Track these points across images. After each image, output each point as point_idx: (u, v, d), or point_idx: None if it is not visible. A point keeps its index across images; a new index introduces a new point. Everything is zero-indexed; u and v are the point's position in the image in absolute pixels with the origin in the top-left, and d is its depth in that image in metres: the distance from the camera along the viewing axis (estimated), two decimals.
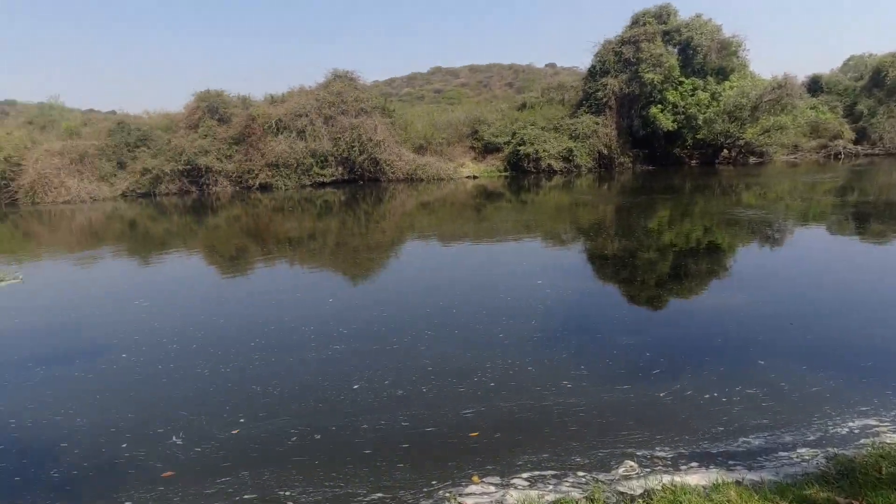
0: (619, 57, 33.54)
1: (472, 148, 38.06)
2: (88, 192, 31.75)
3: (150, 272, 11.43)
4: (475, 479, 3.40)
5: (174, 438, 3.97)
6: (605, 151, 34.30)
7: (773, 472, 3.59)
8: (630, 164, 35.25)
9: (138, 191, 32.67)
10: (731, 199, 19.14)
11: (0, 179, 32.91)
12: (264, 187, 32.98)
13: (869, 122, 38.01)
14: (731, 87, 32.58)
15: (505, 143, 36.61)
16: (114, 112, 44.16)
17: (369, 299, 7.81)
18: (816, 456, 3.71)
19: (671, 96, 32.87)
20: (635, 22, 34.50)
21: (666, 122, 32.79)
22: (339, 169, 33.98)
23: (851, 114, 38.74)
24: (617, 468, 3.49)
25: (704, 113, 32.51)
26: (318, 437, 3.93)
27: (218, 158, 32.82)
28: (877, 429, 3.99)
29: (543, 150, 34.10)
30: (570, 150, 33.95)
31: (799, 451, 3.78)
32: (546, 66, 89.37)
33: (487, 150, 37.63)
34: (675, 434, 3.83)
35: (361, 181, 34.59)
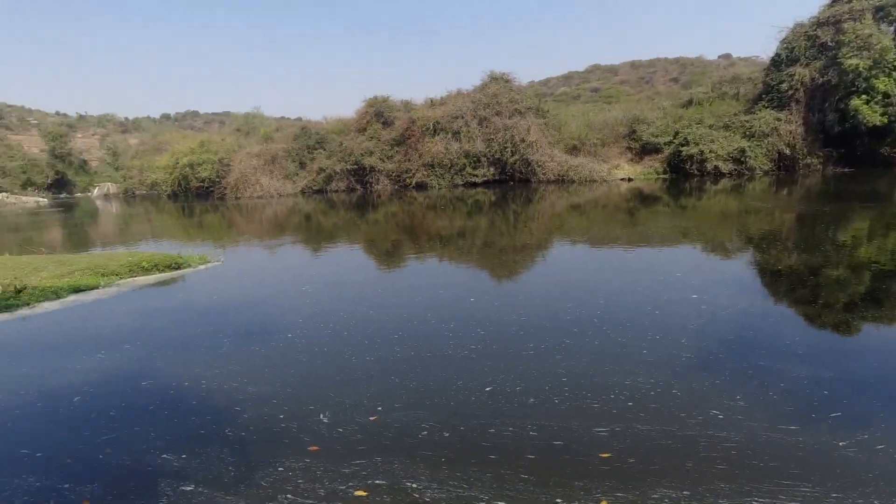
0: (813, 42, 29.04)
1: (629, 149, 36.07)
2: (276, 188, 36.52)
3: (317, 261, 12.78)
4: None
5: (321, 416, 4.38)
6: (787, 151, 30.07)
7: None
8: (819, 166, 30.42)
9: (314, 188, 36.79)
10: None
11: (215, 178, 39.53)
12: (420, 186, 34.92)
13: None
14: None
15: (665, 144, 34.06)
16: (300, 119, 50.10)
17: (510, 301, 7.81)
18: None
19: (881, 84, 27.56)
20: None
21: (872, 115, 27.60)
22: (491, 169, 34.61)
23: None
24: None
25: None
26: (447, 434, 4.03)
27: (381, 159, 35.54)
28: None
29: (710, 151, 31.02)
30: (743, 151, 30.39)
31: None
32: (719, 57, 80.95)
33: (645, 150, 35.37)
34: (857, 495, 3.19)
35: (512, 182, 34.81)
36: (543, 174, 33.60)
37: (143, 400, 4.88)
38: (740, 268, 9.68)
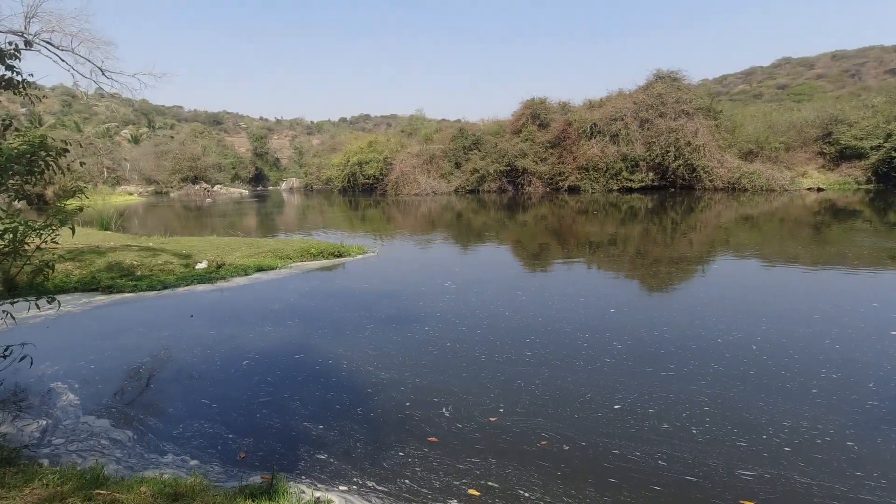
0: None
1: (822, 154, 31.17)
2: (432, 187, 38.44)
3: (463, 258, 13.18)
4: None
5: (444, 410, 4.51)
6: None
7: None
8: None
9: (467, 187, 37.99)
10: None
11: (379, 175, 42.97)
12: (572, 189, 34.05)
13: None
14: None
15: (872, 148, 28.74)
16: (459, 120, 52.06)
17: (654, 316, 7.24)
18: None
19: None
20: None
21: None
22: (650, 174, 32.49)
23: None
24: None
25: None
26: (567, 448, 3.88)
27: (534, 161, 35.40)
28: None
29: None
30: None
31: None
32: None
33: (844, 156, 30.24)
34: None
35: (673, 188, 32.23)
36: (710, 181, 30.52)
37: (295, 371, 5.50)
38: None
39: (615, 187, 33.12)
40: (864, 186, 28.92)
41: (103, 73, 14.04)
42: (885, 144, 28.05)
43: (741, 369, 5.19)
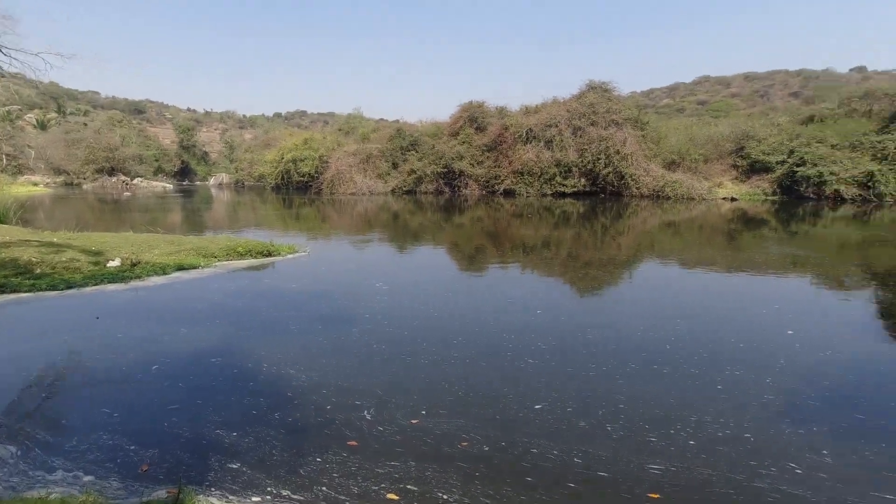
0: None
1: (735, 166, 33.57)
2: (369, 186, 37.99)
3: (397, 259, 13.07)
4: None
5: (365, 413, 4.42)
6: None
7: None
8: None
9: (404, 188, 37.84)
10: None
11: (314, 173, 41.96)
12: (508, 193, 34.72)
13: None
14: None
15: (778, 163, 31.27)
16: (397, 121, 51.80)
17: (579, 318, 7.48)
18: None
19: None
20: None
21: None
22: (582, 180, 33.70)
23: None
24: None
25: None
26: (486, 448, 3.90)
27: (471, 164, 35.79)
28: None
29: (831, 173, 28.05)
30: (871, 175, 27.18)
31: None
32: (851, 70, 72.82)
33: (753, 169, 32.73)
34: None
35: (603, 194, 33.61)
36: (637, 188, 32.11)
37: (210, 375, 5.21)
38: (854, 307, 8.57)
39: (549, 192, 34.10)
40: (770, 198, 31.40)
41: (0, 51, 12.75)
42: (789, 160, 30.62)
43: (655, 368, 5.45)
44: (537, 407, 4.56)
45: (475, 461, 3.73)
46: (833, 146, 29.28)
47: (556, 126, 33.75)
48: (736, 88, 76.66)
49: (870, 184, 27.41)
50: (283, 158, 44.03)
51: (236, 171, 60.36)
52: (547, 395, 4.77)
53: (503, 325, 6.94)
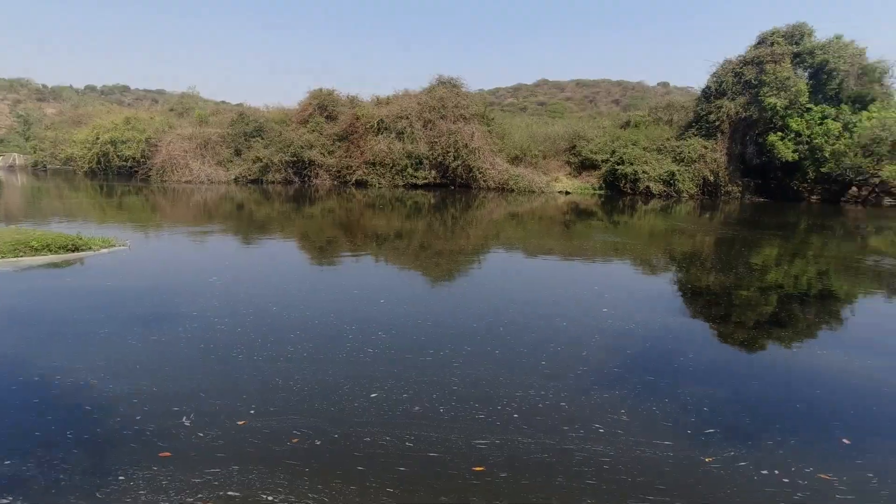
0: (739, 78, 30.97)
1: (569, 163, 37.06)
2: (207, 174, 34.79)
3: (237, 253, 12.13)
4: None
5: (184, 419, 4.01)
6: (711, 178, 31.84)
7: None
8: (738, 194, 32.40)
9: (249, 177, 35.32)
10: (857, 242, 16.87)
11: (140, 158, 37.20)
12: (360, 183, 34.31)
13: None
14: (870, 118, 28.84)
15: (603, 161, 35.24)
16: (241, 104, 47.98)
17: (422, 306, 7.64)
18: None
19: (794, 124, 29.80)
20: (762, 41, 31.70)
21: (785, 151, 29.75)
22: (433, 172, 34.52)
23: None
24: None
25: (833, 145, 29.07)
26: (318, 442, 3.78)
27: (322, 153, 34.65)
28: None
29: (643, 172, 32.35)
30: (673, 174, 31.89)
31: None
32: (658, 84, 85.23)
33: (584, 166, 36.45)
34: None
35: (453, 186, 34.86)
36: (484, 181, 33.89)
37: None
38: (658, 285, 9.99)
39: (401, 183, 34.44)
40: (598, 192, 35.31)
41: None
42: (611, 159, 34.71)
43: (489, 350, 5.77)
44: (373, 396, 4.54)
45: (305, 457, 3.59)
46: (644, 148, 33.83)
47: (408, 118, 34.14)
48: (570, 93, 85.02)
49: (671, 182, 32.20)
50: (98, 139, 38.27)
51: (34, 152, 51.03)
52: (384, 384, 4.77)
53: (345, 317, 6.81)
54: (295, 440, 3.78)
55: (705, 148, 31.63)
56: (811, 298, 9.11)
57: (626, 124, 38.80)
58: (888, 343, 6.81)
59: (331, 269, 10.52)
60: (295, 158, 34.29)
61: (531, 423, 4.16)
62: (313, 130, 35.01)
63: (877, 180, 29.97)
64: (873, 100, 30.05)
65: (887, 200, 31.43)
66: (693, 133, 32.86)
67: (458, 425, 4.08)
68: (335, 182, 35.11)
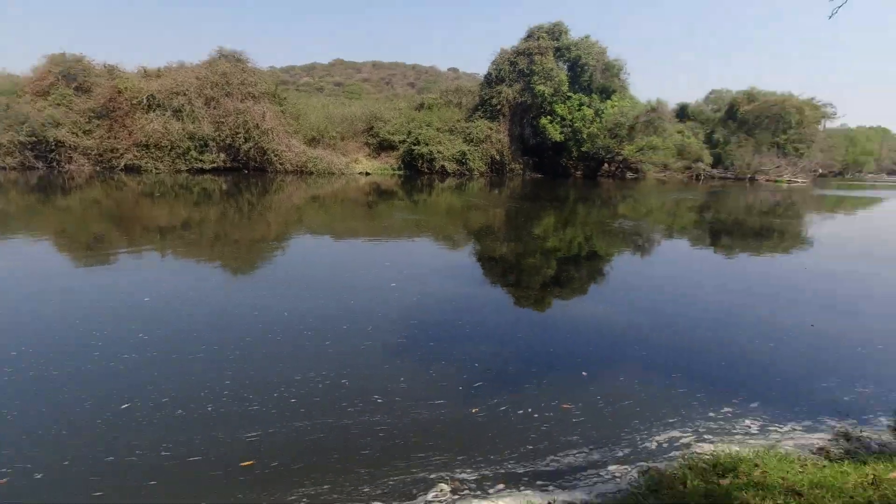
0: (514, 67, 34.51)
1: (367, 144, 37.25)
2: None
3: None
4: None
5: None
6: (498, 157, 35.11)
7: (585, 491, 3.38)
8: (521, 171, 36.40)
9: None
10: (610, 210, 20.25)
11: None
12: (131, 169, 29.68)
13: (723, 149, 42.56)
14: (613, 106, 34.76)
15: (400, 142, 36.22)
16: None
17: (195, 299, 6.86)
18: (629, 472, 3.56)
19: (560, 109, 34.43)
20: (530, 35, 35.72)
21: (554, 133, 34.28)
22: (222, 156, 31.55)
23: (710, 141, 43.11)
24: (420, 495, 3.07)
25: (589, 128, 34.40)
26: (39, 476, 3.09)
27: (73, 132, 29.04)
28: (682, 440, 3.96)
29: (438, 152, 34.13)
30: (464, 154, 34.30)
31: (610, 468, 3.62)
32: (449, 69, 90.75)
33: (382, 147, 37.01)
34: (480, 455, 3.50)
35: (246, 170, 32.35)
36: (281, 164, 32.14)
37: None
38: (452, 257, 10.58)
39: (184, 168, 30.74)
40: (397, 172, 36.23)
41: None
42: (408, 139, 35.85)
43: (270, 337, 5.43)
44: (124, 406, 3.90)
45: (18, 496, 2.90)
46: (438, 129, 35.66)
47: (185, 94, 30.43)
48: (366, 74, 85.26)
49: (464, 161, 34.62)
50: None
51: None
52: (141, 391, 4.14)
53: (93, 323, 5.77)
54: (3, 480, 3.03)
55: (490, 129, 34.64)
56: (582, 259, 10.67)
57: (421, 106, 40.38)
58: (628, 292, 8.29)
59: (98, 268, 8.83)
60: (34, 138, 28.04)
61: (310, 406, 4.01)
62: (59, 104, 29.01)
63: (620, 158, 36.41)
64: (614, 91, 36.19)
65: (629, 174, 38.48)
66: (479, 115, 35.69)
67: (227, 422, 3.74)
68: (98, 168, 29.78)
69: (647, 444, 3.85)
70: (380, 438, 3.58)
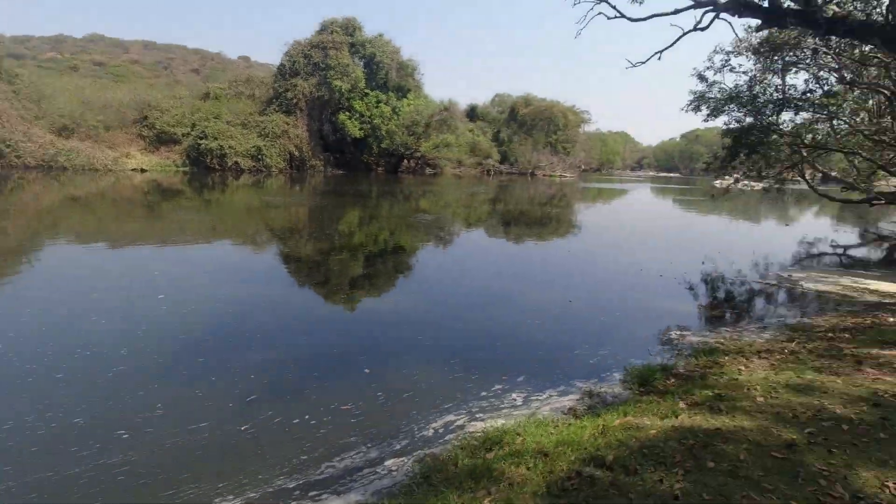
0: (309, 60, 33.54)
1: (142, 137, 32.61)
2: None
3: None
4: None
5: None
6: (297, 153, 33.83)
7: (360, 491, 3.27)
8: (322, 168, 35.63)
9: None
10: (412, 204, 20.90)
11: None
12: None
13: (508, 146, 47.64)
14: (409, 105, 36.14)
15: (184, 135, 32.49)
16: None
17: None
18: (405, 463, 3.57)
19: (358, 105, 34.56)
20: (324, 28, 35.09)
21: (353, 129, 34.29)
22: None
23: (497, 139, 47.85)
24: None
25: (387, 125, 35.20)
26: None
27: None
28: (457, 423, 4.14)
29: (230, 147, 31.49)
30: (260, 149, 32.27)
31: (387, 462, 3.59)
32: (239, 57, 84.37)
33: (161, 141, 32.76)
34: (246, 477, 3.17)
35: None
36: (18, 157, 26.18)
37: None
38: (239, 260, 9.69)
39: None
40: (182, 168, 32.35)
41: None
42: (192, 132, 32.25)
43: None
44: None
45: None
46: (228, 122, 32.78)
47: None
48: (135, 55, 74.08)
49: (259, 157, 32.46)
50: None
51: None
52: None
53: None
54: None
55: (287, 124, 33.12)
56: (382, 254, 10.71)
57: (207, 96, 36.73)
58: (425, 285, 8.55)
59: None
60: None
61: (21, 460, 3.20)
62: None
63: (419, 154, 38.04)
64: (409, 90, 37.59)
65: (428, 170, 40.41)
66: (275, 109, 33.87)
67: None
68: None
69: (425, 433, 3.94)
70: (118, 483, 3.01)
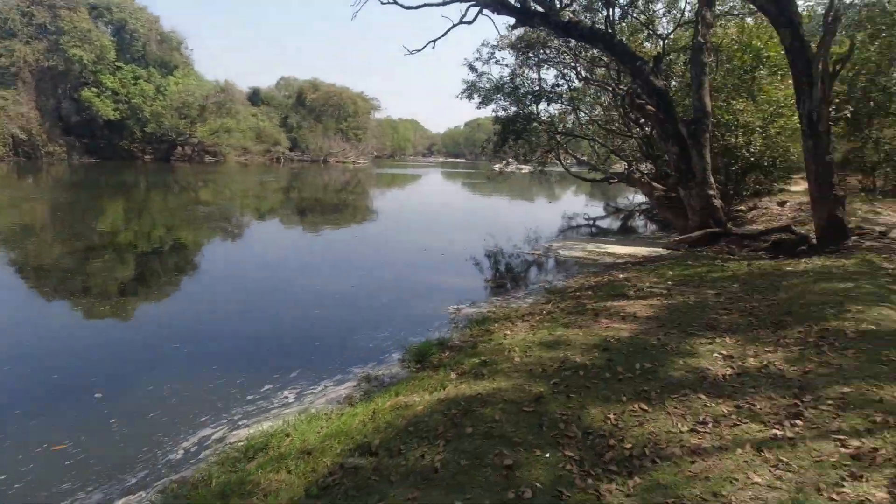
0: (30, 19, 27.13)
1: None
2: None
3: None
4: None
5: None
6: (23, 136, 27.31)
7: None
8: (64, 155, 29.46)
9: None
10: (190, 195, 18.61)
11: None
12: None
13: (298, 133, 45.68)
14: (177, 84, 31.97)
15: None
16: None
17: None
18: (142, 499, 2.91)
19: (109, 81, 29.30)
20: None
21: (105, 109, 29.00)
22: None
23: (286, 125, 45.44)
24: None
25: (151, 105, 30.60)
26: None
27: None
28: (214, 436, 3.58)
29: None
30: None
31: (117, 502, 2.90)
32: None
33: None
34: None
35: None
36: None
37: None
38: None
39: None
40: None
41: None
42: None
43: None
44: None
45: None
46: None
47: None
48: None
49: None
50: None
51: None
52: None
53: None
54: None
55: (5, 99, 26.43)
56: (161, 253, 9.20)
57: None
58: (192, 285, 7.46)
59: None
60: None
61: None
62: None
63: (195, 140, 33.97)
64: (176, 67, 33.19)
65: (208, 158, 36.38)
66: None
67: None
68: None
69: (172, 456, 3.31)
70: None
